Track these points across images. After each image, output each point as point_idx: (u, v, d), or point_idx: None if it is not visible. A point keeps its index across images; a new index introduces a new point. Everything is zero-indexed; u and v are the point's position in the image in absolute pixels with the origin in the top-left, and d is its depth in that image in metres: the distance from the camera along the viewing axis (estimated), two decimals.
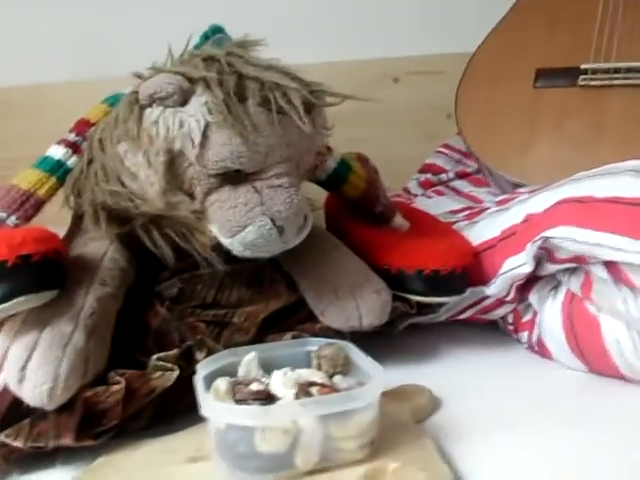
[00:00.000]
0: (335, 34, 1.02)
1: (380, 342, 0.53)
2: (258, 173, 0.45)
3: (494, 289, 0.56)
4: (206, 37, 0.59)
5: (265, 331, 0.52)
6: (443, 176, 0.93)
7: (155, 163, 0.44)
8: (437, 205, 0.81)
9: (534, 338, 0.58)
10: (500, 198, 0.65)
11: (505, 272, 0.54)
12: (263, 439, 0.37)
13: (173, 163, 0.45)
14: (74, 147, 0.54)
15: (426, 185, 0.94)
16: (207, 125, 0.43)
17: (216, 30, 0.60)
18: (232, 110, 0.43)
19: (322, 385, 0.40)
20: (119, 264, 0.49)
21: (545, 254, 0.52)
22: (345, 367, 0.45)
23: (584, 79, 0.70)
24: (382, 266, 0.56)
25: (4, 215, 0.50)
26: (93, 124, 0.54)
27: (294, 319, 0.54)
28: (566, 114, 0.70)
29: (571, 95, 0.71)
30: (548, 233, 0.48)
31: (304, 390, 0.39)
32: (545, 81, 0.72)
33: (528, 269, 0.52)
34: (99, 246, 0.51)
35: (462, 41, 0.99)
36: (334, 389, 0.40)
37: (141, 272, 0.52)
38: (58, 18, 1.09)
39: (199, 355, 0.46)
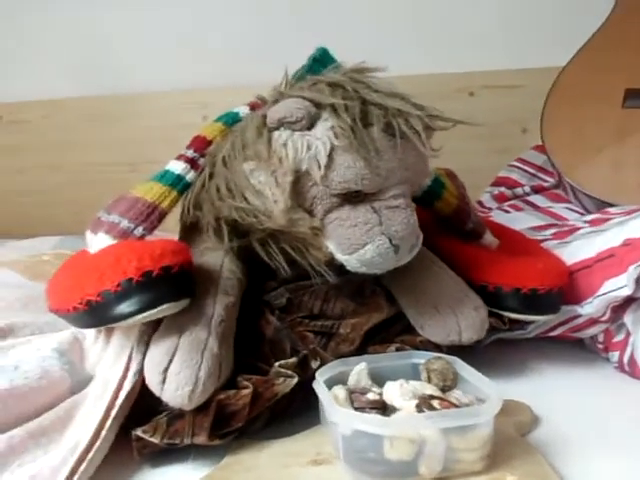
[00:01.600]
0: (415, 48, 1.04)
1: (467, 356, 0.55)
2: (377, 194, 0.48)
3: (590, 309, 0.57)
4: (314, 60, 0.62)
5: (368, 342, 0.55)
6: (519, 190, 0.94)
7: (282, 183, 0.47)
8: (516, 220, 0.82)
9: (626, 358, 0.58)
10: (591, 217, 0.66)
11: (603, 294, 0.55)
12: (391, 447, 0.39)
13: (298, 182, 0.47)
14: (192, 163, 0.57)
15: (500, 198, 0.96)
16: (333, 148, 0.46)
17: (323, 53, 0.63)
18: (357, 135, 0.46)
19: (442, 399, 0.42)
20: (236, 275, 0.53)
21: None
22: (454, 381, 0.47)
23: None
24: (479, 283, 0.58)
25: (132, 226, 0.54)
26: (210, 141, 0.58)
27: (394, 331, 0.57)
28: None
29: None
30: None
31: (426, 403, 0.41)
32: (634, 101, 0.73)
33: (628, 292, 0.53)
34: (215, 257, 0.54)
35: (539, 56, 1.01)
36: (454, 404, 0.42)
37: (252, 282, 0.56)
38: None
39: (314, 363, 0.49)
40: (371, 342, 0.55)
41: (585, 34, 0.99)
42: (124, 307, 0.43)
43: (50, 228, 1.12)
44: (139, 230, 0.54)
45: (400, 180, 0.48)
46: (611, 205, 0.71)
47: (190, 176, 0.57)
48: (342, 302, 0.56)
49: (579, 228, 0.64)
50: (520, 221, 0.82)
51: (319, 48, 0.63)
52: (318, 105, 0.48)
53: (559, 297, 0.57)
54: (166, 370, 0.43)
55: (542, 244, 0.66)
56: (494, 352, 0.63)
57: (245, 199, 0.49)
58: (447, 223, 0.65)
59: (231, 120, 0.59)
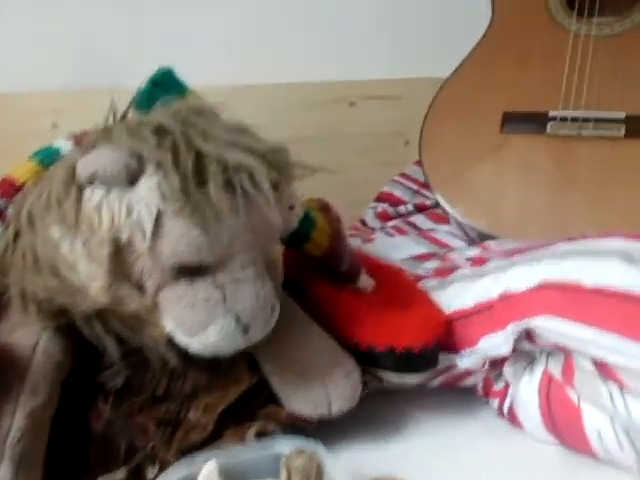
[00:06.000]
0: (291, 54, 0.96)
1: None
2: (219, 265, 0.40)
3: (467, 363, 0.53)
4: (153, 83, 0.52)
5: (224, 422, 0.47)
6: (402, 208, 0.90)
7: (97, 255, 0.37)
8: (399, 247, 0.77)
9: (505, 407, 0.55)
10: (472, 254, 0.63)
11: (481, 350, 0.51)
12: None
13: (119, 254, 0.38)
14: None
15: (383, 217, 0.91)
16: (160, 213, 0.37)
17: (165, 75, 0.53)
18: (190, 196, 0.37)
19: None
20: (54, 358, 0.43)
21: (524, 334, 0.49)
22: (318, 477, 0.41)
23: (552, 127, 0.67)
24: (351, 341, 0.52)
25: None
26: (20, 187, 0.46)
27: (256, 404, 0.49)
28: (534, 162, 0.68)
29: (539, 142, 0.68)
30: (532, 322, 0.45)
31: None
32: (512, 126, 0.70)
33: (506, 350, 0.49)
34: (29, 335, 0.44)
35: (421, 66, 0.96)
36: None
37: (80, 359, 0.46)
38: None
39: (150, 472, 0.40)
40: (227, 423, 0.47)
41: (469, 44, 0.97)
42: None
43: None
44: None
45: (247, 246, 0.40)
46: (491, 237, 0.68)
47: None
48: (194, 377, 0.47)
49: (458, 267, 0.60)
50: (402, 248, 0.77)
51: (162, 69, 0.54)
52: (141, 157, 0.38)
53: (435, 353, 0.53)
54: None
55: (422, 282, 0.62)
56: (375, 402, 0.59)
57: (54, 273, 0.39)
58: (318, 264, 0.59)
59: (48, 159, 0.48)
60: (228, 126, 0.42)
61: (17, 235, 0.43)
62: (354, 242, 0.88)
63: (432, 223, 0.84)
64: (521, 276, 0.50)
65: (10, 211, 0.46)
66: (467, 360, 0.53)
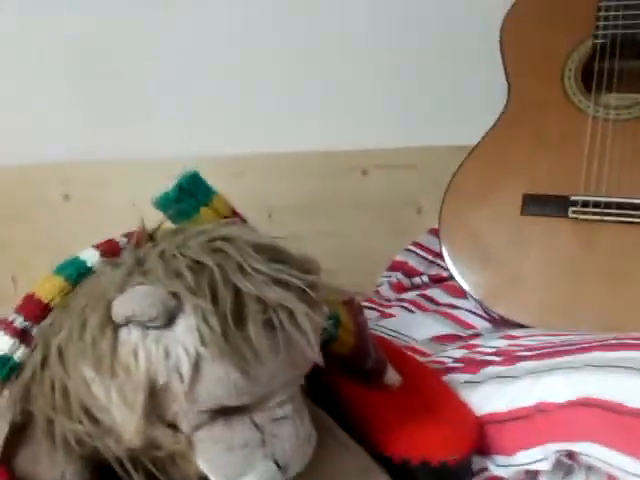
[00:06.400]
0: (303, 123, 0.97)
1: None
2: (257, 403, 0.38)
3: (503, 472, 0.51)
4: (180, 189, 0.51)
5: None
6: (417, 279, 0.89)
7: (132, 401, 0.36)
8: (419, 326, 0.76)
9: None
10: (498, 345, 0.61)
11: (518, 462, 0.49)
12: None
13: (155, 397, 0.37)
14: (22, 336, 0.44)
15: (398, 288, 0.90)
16: (199, 356, 0.36)
17: (192, 179, 0.52)
18: (229, 338, 0.36)
19: None
20: None
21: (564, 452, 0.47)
22: None
23: (574, 211, 0.67)
24: (382, 452, 0.50)
25: None
26: (46, 305, 0.45)
27: None
28: (555, 246, 0.67)
29: (560, 226, 0.68)
30: (572, 447, 0.44)
31: None
32: (533, 208, 0.69)
33: (547, 467, 0.47)
34: (54, 467, 0.42)
35: (432, 134, 0.97)
36: None
37: None
38: None
39: None
40: None
41: (480, 112, 0.97)
42: None
43: None
44: None
45: (285, 382, 0.39)
46: (512, 322, 0.67)
47: (20, 355, 0.44)
48: None
49: (489, 362, 0.58)
50: (423, 326, 0.76)
51: (188, 173, 0.53)
52: (177, 295, 0.37)
53: (470, 463, 0.51)
54: None
55: (449, 377, 0.60)
56: None
57: (86, 414, 0.38)
58: (344, 363, 0.57)
59: (76, 273, 0.47)
60: (260, 250, 0.41)
61: (44, 362, 0.42)
62: (371, 315, 0.87)
63: (450, 297, 0.83)
64: (558, 386, 0.49)
65: (36, 332, 0.44)
66: (503, 470, 0.51)
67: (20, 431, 0.44)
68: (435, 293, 0.85)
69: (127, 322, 0.36)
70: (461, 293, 0.83)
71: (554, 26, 0.75)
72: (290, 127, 0.97)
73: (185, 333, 0.36)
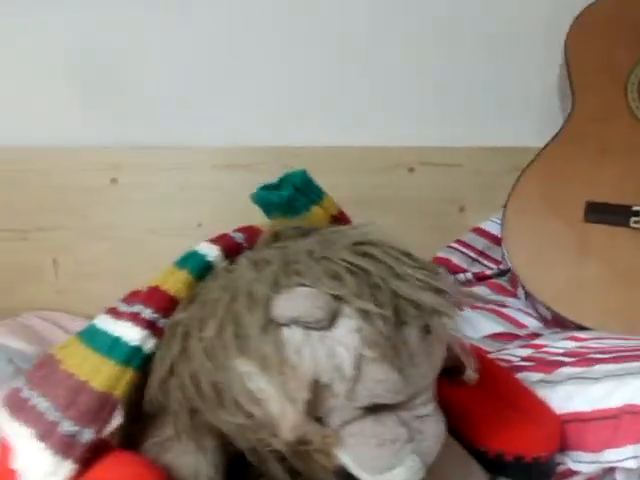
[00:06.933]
0: (352, 118, 0.98)
1: None
2: (404, 402, 0.40)
3: (585, 468, 0.54)
4: (295, 189, 0.52)
5: None
6: (461, 276, 0.92)
7: (296, 398, 0.37)
8: (473, 324, 0.79)
9: None
10: (566, 346, 0.64)
11: (605, 460, 0.52)
12: None
13: (314, 394, 0.38)
14: (152, 327, 0.45)
15: None
16: (361, 357, 0.37)
17: (304, 178, 0.53)
18: (391, 341, 0.37)
19: None
20: None
21: None
22: None
23: (636, 221, 0.70)
24: (477, 446, 0.53)
25: (71, 428, 0.41)
26: (173, 298, 0.46)
27: None
28: (618, 254, 0.71)
29: (622, 235, 0.71)
30: None
31: None
32: (596, 216, 0.72)
33: (634, 465, 0.51)
34: (186, 456, 0.43)
35: (479, 134, 0.99)
36: None
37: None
38: None
39: None
40: None
41: (524, 113, 1.00)
42: None
43: None
44: (84, 436, 0.41)
45: (430, 383, 0.41)
46: (573, 323, 0.70)
47: (150, 346, 0.45)
48: None
49: (562, 363, 0.61)
50: (477, 324, 0.79)
51: (298, 172, 0.54)
52: (338, 297, 0.38)
53: (555, 461, 0.54)
54: None
55: (522, 375, 0.63)
56: None
57: (240, 409, 0.39)
58: None
59: (197, 267, 0.47)
60: (403, 255, 0.42)
61: (182, 355, 0.43)
62: None
63: (496, 295, 0.85)
64: None
65: (167, 324, 0.45)
66: (586, 466, 0.54)
67: (146, 420, 0.46)
68: (480, 291, 0.87)
69: (291, 322, 0.38)
70: (506, 291, 0.87)
71: (617, 41, 0.78)
72: (337, 120, 0.98)
73: (347, 334, 0.38)
